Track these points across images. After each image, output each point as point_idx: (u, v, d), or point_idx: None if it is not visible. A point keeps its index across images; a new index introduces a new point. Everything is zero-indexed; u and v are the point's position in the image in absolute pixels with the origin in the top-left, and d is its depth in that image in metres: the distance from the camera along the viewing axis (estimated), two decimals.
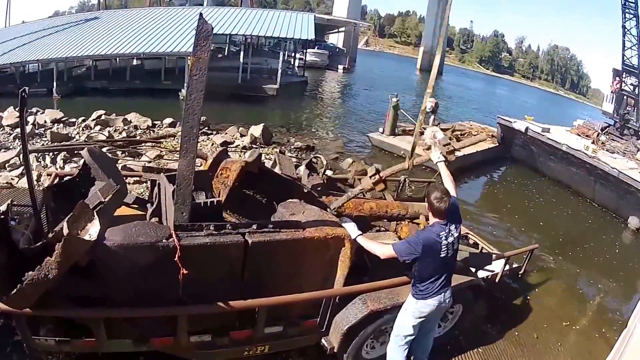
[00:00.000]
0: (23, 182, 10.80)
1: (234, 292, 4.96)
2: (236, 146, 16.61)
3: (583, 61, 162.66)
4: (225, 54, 41.83)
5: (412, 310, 5.55)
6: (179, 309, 4.75)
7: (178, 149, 12.29)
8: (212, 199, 5.32)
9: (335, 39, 74.02)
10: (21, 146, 8.43)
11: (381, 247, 5.51)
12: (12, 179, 11.40)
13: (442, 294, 5.47)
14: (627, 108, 23.80)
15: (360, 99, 38.19)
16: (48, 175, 10.49)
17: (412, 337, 5.73)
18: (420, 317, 5.55)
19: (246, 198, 6.43)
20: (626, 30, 24.00)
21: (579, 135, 21.61)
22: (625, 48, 24.38)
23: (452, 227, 5.36)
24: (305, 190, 7.06)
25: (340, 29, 67.28)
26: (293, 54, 44.72)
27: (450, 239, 5.32)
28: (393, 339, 5.82)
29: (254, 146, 16.82)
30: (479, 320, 7.98)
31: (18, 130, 15.03)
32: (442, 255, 5.29)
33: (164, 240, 4.50)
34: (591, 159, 17.34)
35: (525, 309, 9.16)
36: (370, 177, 7.27)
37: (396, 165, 7.71)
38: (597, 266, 12.52)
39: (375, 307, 5.64)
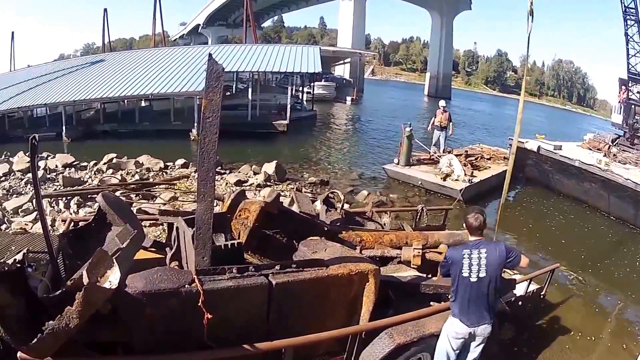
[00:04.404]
0: (37, 228, 10.83)
1: (259, 334, 4.89)
2: (250, 184, 16.59)
3: (588, 73, 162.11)
4: (233, 91, 41.98)
5: (448, 329, 5.67)
6: (204, 353, 4.64)
7: (192, 189, 12.27)
8: (232, 241, 5.29)
9: (342, 70, 74.41)
10: (33, 191, 8.49)
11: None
12: (25, 224, 11.44)
13: (474, 321, 5.55)
14: (636, 117, 23.47)
15: (370, 129, 38.21)
16: (62, 220, 10.52)
17: (454, 357, 5.79)
18: (456, 338, 5.63)
19: (266, 238, 6.41)
20: (629, 37, 23.75)
21: (591, 150, 21.34)
22: (630, 56, 24.07)
23: (483, 251, 5.45)
24: (326, 228, 7.04)
25: (345, 60, 67.57)
26: (301, 88, 44.88)
27: (475, 261, 5.42)
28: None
29: (268, 184, 16.81)
30: (503, 344, 7.88)
31: (29, 175, 15.13)
32: (464, 275, 5.44)
33: (186, 286, 4.45)
34: (604, 172, 17.16)
35: (549, 328, 9.14)
36: (414, 249, 7.26)
37: (437, 254, 7.60)
38: (618, 280, 12.44)
39: (401, 341, 5.56)
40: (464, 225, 5.76)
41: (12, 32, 69.99)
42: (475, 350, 5.87)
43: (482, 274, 5.42)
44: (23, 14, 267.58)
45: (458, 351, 5.77)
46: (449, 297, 5.80)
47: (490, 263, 5.43)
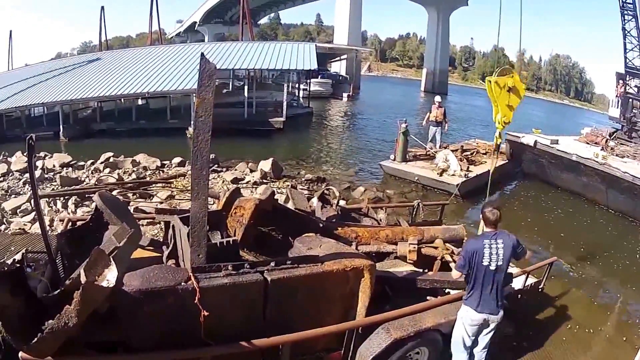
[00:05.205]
0: (36, 228, 10.83)
1: (256, 330, 4.92)
2: (247, 182, 16.56)
3: (586, 68, 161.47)
4: (230, 89, 41.90)
5: (463, 317, 5.96)
6: (202, 350, 4.67)
7: (189, 188, 12.31)
8: (228, 239, 5.33)
9: (338, 66, 74.10)
10: (31, 192, 8.52)
11: (452, 271, 6.31)
12: (24, 224, 11.43)
13: (490, 308, 5.85)
14: (634, 111, 23.55)
15: (367, 126, 38.01)
16: (60, 220, 10.52)
17: (469, 342, 6.10)
18: (471, 325, 5.94)
19: (262, 235, 6.44)
20: (626, 32, 23.87)
21: (588, 143, 21.39)
22: (627, 50, 24.19)
23: (500, 241, 5.76)
24: (321, 224, 7.06)
25: (342, 57, 67.41)
26: (297, 85, 44.74)
27: (495, 250, 5.71)
28: (452, 347, 6.23)
29: (264, 181, 16.78)
30: (504, 338, 7.90)
31: (27, 175, 15.07)
32: (485, 264, 5.70)
33: (182, 284, 4.49)
34: (602, 165, 17.21)
35: (548, 321, 9.13)
36: (410, 244, 7.33)
37: (433, 249, 7.72)
38: (617, 273, 12.47)
39: (398, 335, 5.63)
40: (481, 217, 6.04)
41: (10, 31, 69.76)
42: (486, 336, 6.13)
43: (500, 263, 5.73)
44: (22, 10, 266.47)
45: (474, 337, 6.06)
46: (466, 288, 5.99)
47: (506, 252, 5.75)
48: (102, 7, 62.75)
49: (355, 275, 5.48)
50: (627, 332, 9.26)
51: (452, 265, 7.50)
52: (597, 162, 17.45)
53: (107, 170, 17.43)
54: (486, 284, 5.76)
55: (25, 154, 13.55)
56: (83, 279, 3.78)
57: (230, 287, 4.71)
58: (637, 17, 23.27)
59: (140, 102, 35.43)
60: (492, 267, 5.72)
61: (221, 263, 4.84)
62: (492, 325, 6.02)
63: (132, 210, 9.73)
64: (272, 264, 5.13)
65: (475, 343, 6.20)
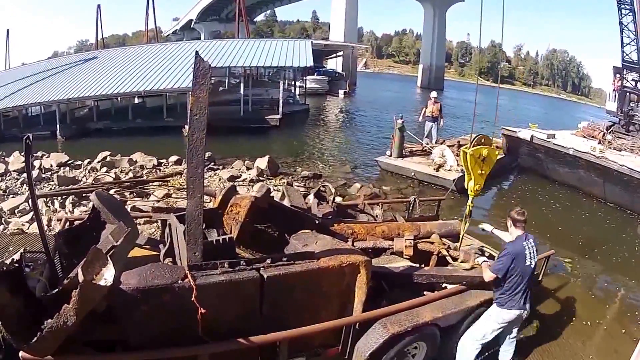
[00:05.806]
0: (34, 228, 10.82)
1: (253, 327, 4.94)
2: (243, 180, 16.54)
3: (583, 62, 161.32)
4: (226, 86, 41.79)
5: (496, 318, 6.16)
6: (200, 348, 4.69)
7: (185, 186, 12.35)
8: (224, 236, 5.34)
9: (334, 63, 74.13)
10: (29, 191, 8.50)
11: (485, 274, 6.28)
12: (22, 224, 11.41)
13: (524, 304, 6.11)
14: (631, 104, 23.62)
15: (363, 122, 38.05)
16: (58, 220, 10.49)
17: (487, 341, 6.31)
18: (501, 324, 6.19)
19: (258, 233, 6.45)
20: (623, 26, 23.86)
21: (585, 137, 21.44)
22: (624, 44, 24.20)
23: (531, 240, 6.08)
24: (317, 221, 7.07)
25: (338, 53, 67.33)
26: (293, 82, 44.67)
27: (531, 249, 6.02)
28: (470, 341, 6.34)
29: (261, 179, 16.77)
30: None
31: (25, 175, 15.01)
32: (527, 264, 5.97)
33: (179, 281, 4.50)
34: (599, 159, 17.23)
35: (547, 314, 9.15)
36: (406, 240, 7.37)
37: (429, 244, 7.78)
38: (616, 265, 12.48)
39: (395, 330, 5.65)
40: (508, 219, 6.26)
41: (7, 30, 69.47)
42: (515, 329, 6.53)
43: (535, 260, 6.06)
44: (21, 7, 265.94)
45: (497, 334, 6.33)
46: (501, 289, 6.15)
47: (536, 249, 6.09)
48: (99, 6, 62.79)
49: (352, 271, 5.50)
50: (626, 325, 9.28)
51: (448, 259, 7.54)
52: (594, 155, 17.46)
53: (104, 169, 17.39)
54: (526, 282, 6.02)
55: (22, 154, 13.56)
56: (81, 277, 3.80)
57: (226, 285, 4.73)
58: (633, 12, 23.27)
59: (136, 100, 35.18)
60: (532, 266, 6.03)
61: (217, 260, 4.87)
62: (523, 318, 6.38)
63: (129, 209, 9.75)
64: (268, 260, 5.15)
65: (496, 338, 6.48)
